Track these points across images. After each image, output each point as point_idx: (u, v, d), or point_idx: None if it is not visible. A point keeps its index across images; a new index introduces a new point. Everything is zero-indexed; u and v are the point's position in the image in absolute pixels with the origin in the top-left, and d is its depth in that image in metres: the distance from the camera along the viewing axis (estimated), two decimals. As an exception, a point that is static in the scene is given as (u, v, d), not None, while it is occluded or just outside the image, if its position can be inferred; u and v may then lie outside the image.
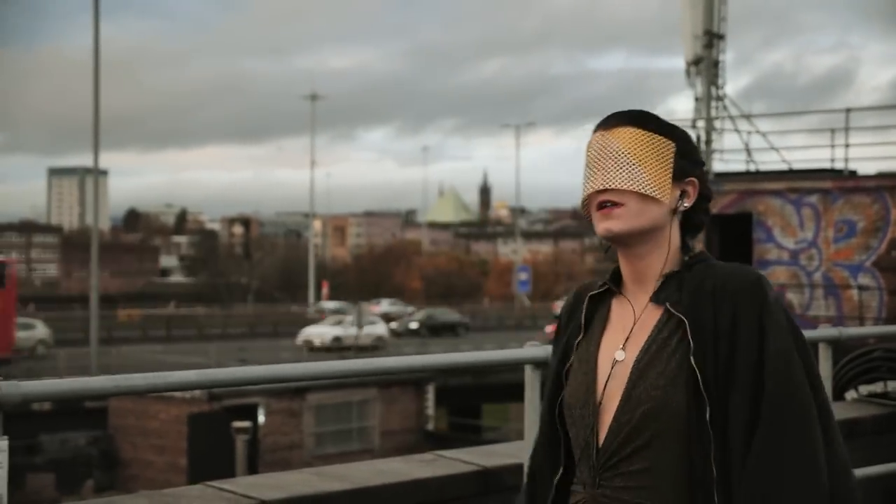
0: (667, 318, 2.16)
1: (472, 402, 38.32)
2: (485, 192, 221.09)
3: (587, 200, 2.25)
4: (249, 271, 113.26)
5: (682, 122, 23.26)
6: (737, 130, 21.94)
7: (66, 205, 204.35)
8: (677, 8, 22.85)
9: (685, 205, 2.22)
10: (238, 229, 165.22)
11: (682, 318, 2.12)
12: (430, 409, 32.21)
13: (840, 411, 6.35)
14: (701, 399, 2.07)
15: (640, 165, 2.17)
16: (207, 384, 3.49)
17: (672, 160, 2.20)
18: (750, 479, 2.02)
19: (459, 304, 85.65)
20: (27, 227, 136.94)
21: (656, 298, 2.19)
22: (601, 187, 2.18)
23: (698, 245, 2.30)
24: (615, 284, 2.28)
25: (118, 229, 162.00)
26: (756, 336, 2.08)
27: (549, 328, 46.15)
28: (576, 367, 2.25)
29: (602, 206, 2.20)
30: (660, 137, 2.21)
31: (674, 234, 2.22)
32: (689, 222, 2.25)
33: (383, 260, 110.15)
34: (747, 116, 21.95)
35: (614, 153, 2.19)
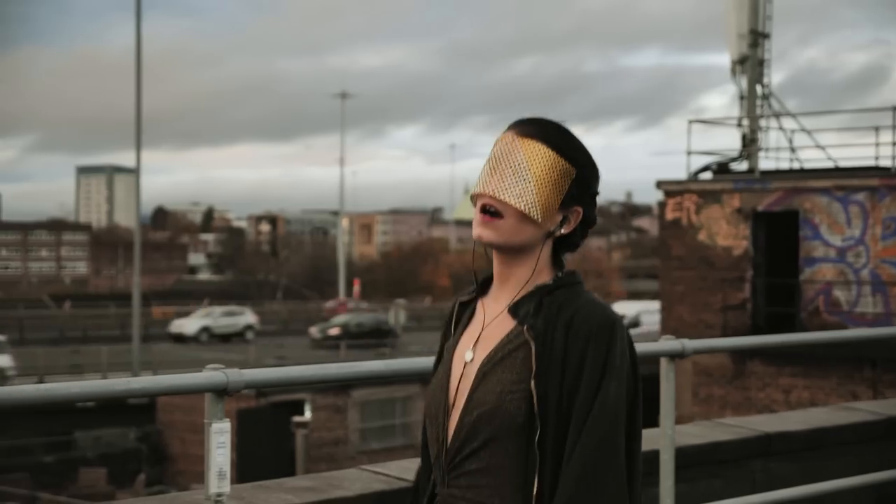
0: (517, 333, 2.20)
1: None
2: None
3: (475, 196, 2.26)
4: (277, 269, 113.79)
5: (726, 119, 23.44)
6: (781, 129, 22.11)
7: (94, 203, 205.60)
8: (713, 5, 23.04)
9: (561, 231, 2.25)
10: (265, 227, 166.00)
11: (531, 341, 2.16)
12: (472, 405, 32.47)
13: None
14: (533, 420, 2.13)
15: (535, 184, 2.18)
16: (388, 374, 3.77)
17: (567, 186, 2.22)
18: None
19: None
20: (56, 226, 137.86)
21: (512, 311, 2.23)
22: (491, 193, 2.20)
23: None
24: (483, 289, 2.32)
25: (146, 227, 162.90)
26: (597, 379, 2.13)
27: None
28: (439, 369, 2.31)
29: (484, 210, 2.22)
30: (565, 162, 2.22)
31: (545, 251, 2.25)
32: (565, 242, 2.29)
33: (411, 257, 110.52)
34: (793, 115, 22.12)
35: (515, 163, 2.20)
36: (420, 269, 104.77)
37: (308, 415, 26.52)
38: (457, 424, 2.20)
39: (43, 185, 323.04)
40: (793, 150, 22.27)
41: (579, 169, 2.24)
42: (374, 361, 3.70)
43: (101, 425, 29.31)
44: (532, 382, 2.14)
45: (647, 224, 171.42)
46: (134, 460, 28.09)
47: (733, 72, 22.13)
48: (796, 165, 22.25)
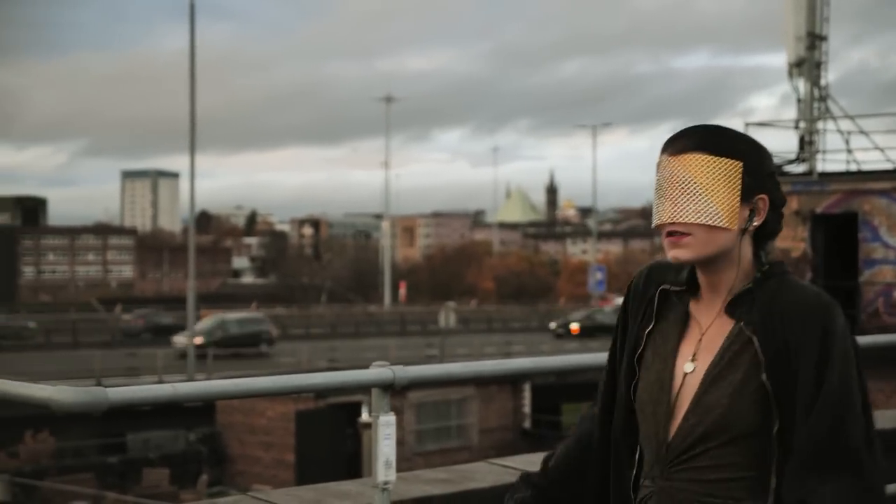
0: (737, 333, 2.22)
1: (554, 400, 38.67)
2: (551, 191, 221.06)
3: (657, 228, 2.29)
4: (320, 272, 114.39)
5: (781, 121, 23.47)
6: (839, 131, 22.13)
7: (138, 207, 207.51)
8: (765, 4, 23.12)
9: (754, 224, 2.24)
10: (308, 230, 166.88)
11: (752, 336, 2.19)
12: (527, 407, 32.57)
13: None
14: (769, 414, 2.16)
15: (707, 195, 2.19)
16: (535, 371, 3.97)
17: (740, 181, 2.21)
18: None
19: (533, 304, 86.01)
20: (102, 230, 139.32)
21: (729, 311, 2.25)
22: (668, 220, 2.23)
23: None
24: (693, 287, 2.32)
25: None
26: (815, 365, 2.14)
27: None
28: (649, 360, 2.33)
29: (670, 234, 2.24)
30: (727, 161, 2.21)
31: (745, 249, 2.26)
32: (762, 232, 2.28)
33: (454, 260, 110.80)
34: (851, 117, 22.14)
35: (681, 182, 2.21)
36: (464, 272, 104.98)
37: (364, 416, 26.75)
38: (681, 425, 2.24)
39: (90, 190, 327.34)
40: (849, 151, 22.28)
41: (744, 158, 2.23)
42: (525, 359, 3.90)
43: (156, 427, 29.77)
44: (763, 376, 2.17)
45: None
46: (194, 461, 28.51)
47: (790, 74, 22.19)
48: (853, 167, 22.26)
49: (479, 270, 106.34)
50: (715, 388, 2.20)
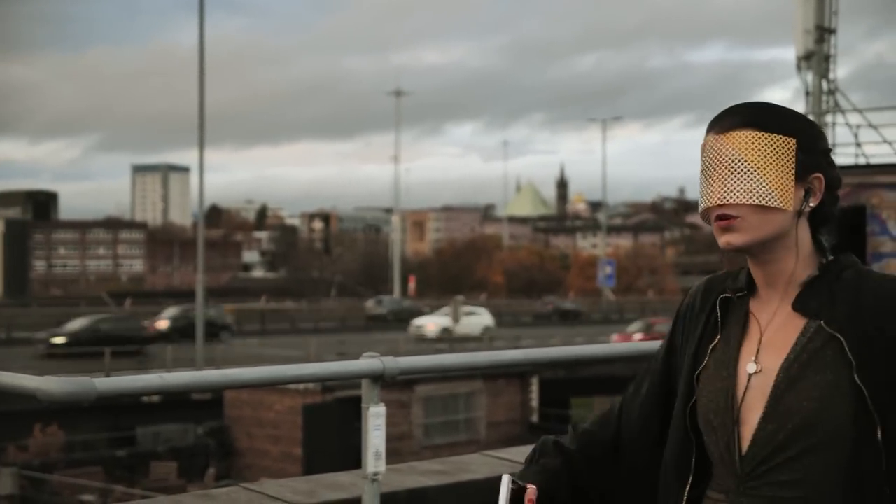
0: (815, 330, 2.03)
1: (562, 394, 38.73)
2: (562, 185, 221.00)
3: (704, 213, 2.12)
4: (330, 266, 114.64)
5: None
6: (847, 124, 22.07)
7: (149, 201, 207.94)
8: (778, 0, 23.06)
9: (810, 205, 2.08)
10: (318, 224, 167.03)
11: (838, 335, 2.00)
12: (535, 401, 32.62)
13: None
14: (870, 417, 1.96)
15: (758, 173, 2.04)
16: (526, 362, 3.98)
17: (793, 159, 2.05)
18: None
19: (542, 297, 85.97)
20: (113, 224, 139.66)
21: (800, 307, 2.07)
22: (717, 202, 2.06)
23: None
24: (750, 287, 2.15)
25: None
26: None
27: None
28: (712, 371, 2.13)
29: (720, 218, 2.08)
30: (779, 137, 2.05)
31: (802, 234, 2.09)
32: (818, 216, 2.11)
33: (464, 254, 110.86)
34: (859, 110, 22.07)
35: (729, 161, 2.05)
36: (474, 266, 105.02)
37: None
38: (757, 434, 2.04)
39: (102, 184, 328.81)
40: (858, 145, 22.23)
41: (797, 135, 2.07)
42: (517, 350, 3.90)
43: (165, 421, 29.85)
44: (856, 377, 1.97)
45: (701, 220, 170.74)
46: (202, 455, 28.62)
47: (799, 67, 22.13)
48: (861, 161, 22.20)
49: (489, 264, 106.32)
50: (794, 389, 2.01)
